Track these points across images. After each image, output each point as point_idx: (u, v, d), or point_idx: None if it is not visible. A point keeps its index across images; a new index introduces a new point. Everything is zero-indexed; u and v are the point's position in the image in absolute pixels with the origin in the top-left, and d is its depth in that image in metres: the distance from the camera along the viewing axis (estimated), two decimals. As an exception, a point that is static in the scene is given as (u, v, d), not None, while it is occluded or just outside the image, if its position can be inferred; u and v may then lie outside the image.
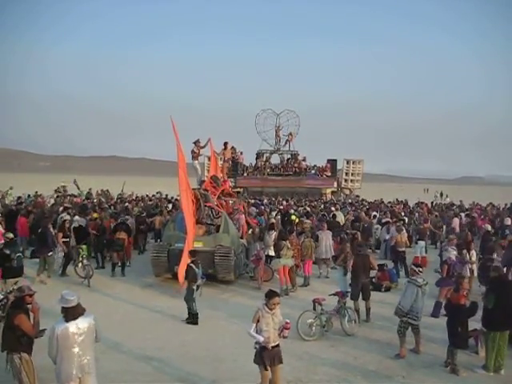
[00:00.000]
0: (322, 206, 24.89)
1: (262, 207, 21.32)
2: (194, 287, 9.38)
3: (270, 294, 5.92)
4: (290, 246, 11.75)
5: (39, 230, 13.40)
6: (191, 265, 9.53)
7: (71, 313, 5.13)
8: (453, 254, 11.01)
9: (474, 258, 11.80)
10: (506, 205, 27.99)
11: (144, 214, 18.26)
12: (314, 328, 8.54)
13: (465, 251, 11.52)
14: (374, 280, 11.82)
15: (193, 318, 9.38)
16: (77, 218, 14.91)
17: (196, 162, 14.77)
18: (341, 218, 18.76)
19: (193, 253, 9.81)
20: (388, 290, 12.18)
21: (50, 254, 12.75)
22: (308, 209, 21.96)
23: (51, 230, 13.43)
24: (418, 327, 7.98)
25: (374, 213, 20.63)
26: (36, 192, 30.31)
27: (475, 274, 11.65)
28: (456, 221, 18.78)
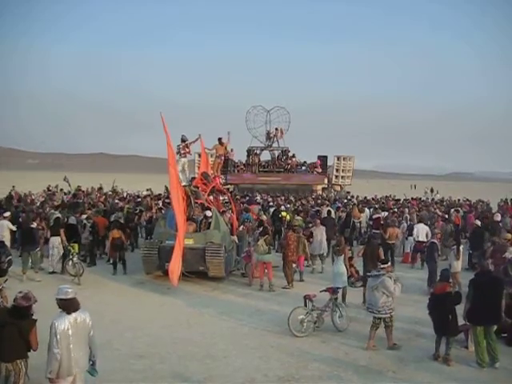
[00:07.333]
0: (313, 203, 24.79)
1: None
2: None
3: None
4: (264, 243, 11.66)
5: (26, 227, 13.28)
6: None
7: (69, 305, 5.10)
8: None
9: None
10: (500, 200, 27.61)
11: (138, 210, 18.20)
12: (305, 324, 8.54)
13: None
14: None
15: None
16: (72, 218, 14.85)
17: (184, 159, 14.04)
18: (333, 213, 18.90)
19: None
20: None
21: (36, 250, 12.70)
22: (299, 206, 21.91)
23: (37, 226, 13.39)
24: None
25: (366, 209, 20.67)
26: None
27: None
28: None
